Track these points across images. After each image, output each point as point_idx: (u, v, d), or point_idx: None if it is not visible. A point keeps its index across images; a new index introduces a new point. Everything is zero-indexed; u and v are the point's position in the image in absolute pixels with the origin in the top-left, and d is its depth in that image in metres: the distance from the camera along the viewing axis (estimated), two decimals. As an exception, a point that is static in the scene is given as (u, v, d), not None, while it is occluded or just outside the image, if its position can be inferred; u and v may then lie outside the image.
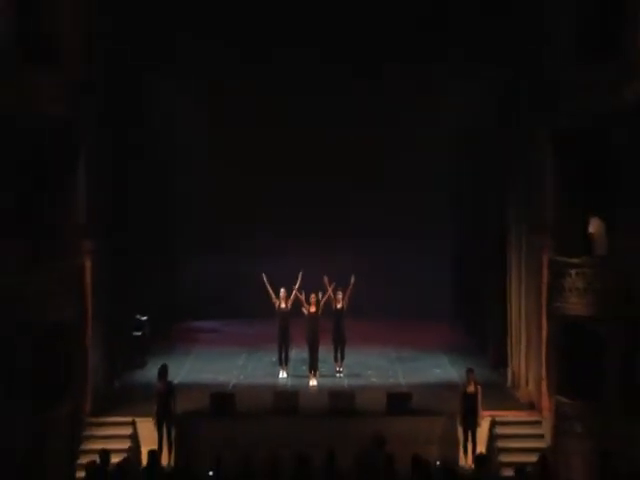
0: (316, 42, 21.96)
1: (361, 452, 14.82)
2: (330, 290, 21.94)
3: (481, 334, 24.66)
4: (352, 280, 21.91)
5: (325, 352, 22.28)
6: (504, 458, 17.74)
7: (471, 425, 18.47)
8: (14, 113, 16.74)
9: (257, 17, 21.10)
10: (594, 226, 18.29)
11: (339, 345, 22.17)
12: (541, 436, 18.88)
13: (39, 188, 18.16)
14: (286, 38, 21.72)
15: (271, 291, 21.89)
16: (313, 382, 21.70)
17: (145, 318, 23.93)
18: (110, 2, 20.06)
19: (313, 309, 21.91)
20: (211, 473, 14.79)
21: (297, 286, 21.90)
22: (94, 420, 19.26)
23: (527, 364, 20.50)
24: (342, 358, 22.30)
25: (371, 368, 23.03)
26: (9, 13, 16.42)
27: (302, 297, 21.89)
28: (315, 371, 21.92)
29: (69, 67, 18.53)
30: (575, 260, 18.38)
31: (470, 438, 18.43)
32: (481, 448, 18.17)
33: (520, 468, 13.63)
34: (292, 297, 21.90)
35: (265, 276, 21.99)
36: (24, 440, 16.83)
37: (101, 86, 20.07)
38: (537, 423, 19.35)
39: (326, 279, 22.06)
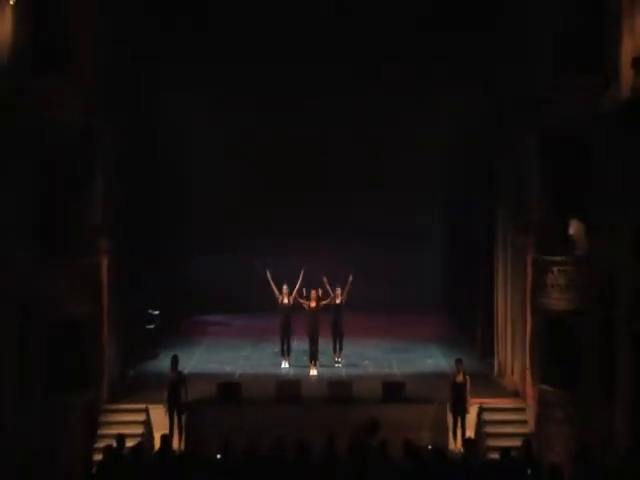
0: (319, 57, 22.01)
1: (355, 437, 14.90)
2: (332, 291, 22.02)
3: (470, 327, 24.64)
4: (350, 278, 21.96)
5: (324, 344, 22.29)
6: (491, 442, 17.79)
7: (460, 412, 18.54)
8: (34, 120, 16.71)
9: (260, 27, 21.15)
10: (574, 227, 18.32)
11: (338, 337, 22.23)
12: (525, 422, 18.95)
13: (59, 191, 18.18)
14: (288, 51, 21.74)
15: (274, 287, 21.93)
16: (313, 372, 21.74)
17: (157, 313, 23.96)
18: (128, 19, 20.04)
19: (313, 304, 21.94)
20: (219, 456, 14.68)
21: (297, 288, 21.95)
22: (110, 407, 19.32)
23: (512, 355, 20.55)
24: (340, 349, 22.35)
25: (367, 359, 23.08)
26: (28, 26, 16.45)
27: (303, 300, 21.93)
28: (315, 361, 21.97)
29: (86, 77, 18.53)
30: (557, 258, 18.46)
31: (459, 424, 18.49)
32: (469, 433, 18.25)
33: (505, 451, 13.68)
34: (293, 295, 21.92)
35: (269, 273, 22.00)
36: (46, 426, 16.89)
37: (118, 97, 19.98)
38: (521, 410, 19.37)
39: (325, 279, 22.10)
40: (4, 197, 16.06)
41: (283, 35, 21.59)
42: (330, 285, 22.07)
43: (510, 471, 13.08)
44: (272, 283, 22.00)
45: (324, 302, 21.94)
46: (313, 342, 22.00)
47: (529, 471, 13.23)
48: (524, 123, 19.66)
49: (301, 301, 21.97)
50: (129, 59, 20.68)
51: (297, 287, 22.00)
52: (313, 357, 22.02)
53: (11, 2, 15.49)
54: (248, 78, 24.19)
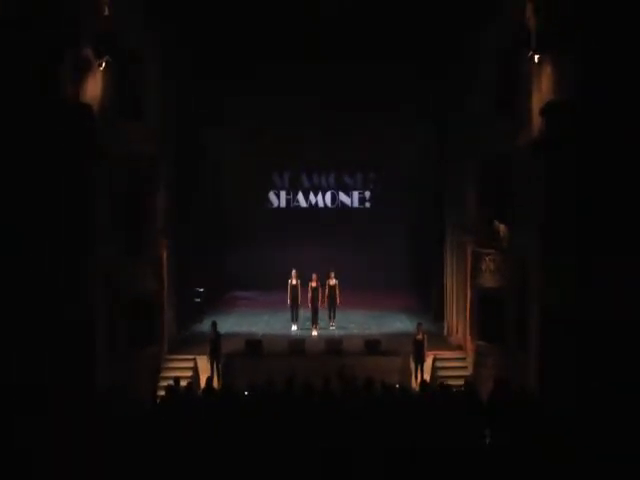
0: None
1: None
2: (327, 275, 22.12)
3: (428, 299, 24.68)
4: (332, 278, 22.12)
5: (322, 313, 22.35)
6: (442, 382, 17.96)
7: (420, 361, 18.68)
8: (114, 152, 16.87)
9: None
10: (501, 229, 18.37)
11: (332, 308, 22.28)
12: (466, 367, 19.14)
13: (135, 205, 18.40)
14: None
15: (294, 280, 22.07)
16: (314, 332, 21.84)
17: (202, 290, 24.05)
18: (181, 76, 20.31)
19: (314, 284, 22.02)
20: (246, 393, 14.91)
21: (294, 282, 21.95)
22: (169, 357, 19.53)
23: (457, 319, 20.74)
24: (334, 317, 22.42)
25: (353, 323, 23.11)
26: (110, 85, 16.65)
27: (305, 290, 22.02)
28: (316, 325, 22.11)
29: (152, 121, 18.83)
30: (488, 250, 18.64)
31: (419, 370, 18.63)
32: (426, 376, 18.35)
33: (447, 387, 13.98)
34: (296, 285, 21.99)
35: (294, 271, 22.08)
36: (125, 370, 17.07)
37: (173, 133, 20.42)
38: (463, 359, 19.59)
39: (314, 276, 22.02)
40: (100, 205, 16.27)
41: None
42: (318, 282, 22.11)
43: (451, 400, 13.43)
44: (294, 278, 22.05)
45: (322, 294, 22.01)
46: (314, 311, 22.06)
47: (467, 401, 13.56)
48: (465, 154, 19.79)
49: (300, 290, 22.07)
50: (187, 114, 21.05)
51: (294, 283, 21.98)
52: (314, 322, 22.13)
53: (101, 69, 15.69)
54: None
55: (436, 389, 15.23)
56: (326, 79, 20.40)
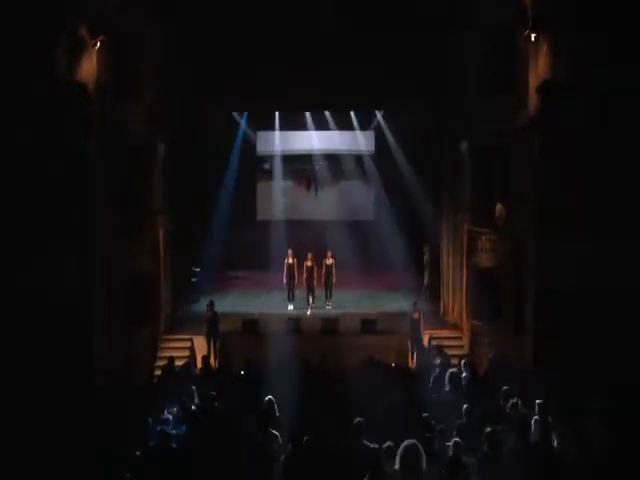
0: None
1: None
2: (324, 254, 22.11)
3: (423, 279, 24.21)
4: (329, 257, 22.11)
5: (318, 292, 22.26)
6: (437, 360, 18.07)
7: (416, 340, 18.83)
8: (114, 133, 16.93)
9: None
10: (498, 208, 18.35)
11: (328, 287, 22.17)
12: (462, 346, 19.24)
13: (130, 181, 18.27)
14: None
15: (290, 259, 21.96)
16: (308, 312, 21.69)
17: (198, 269, 24.03)
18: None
19: (309, 263, 21.92)
20: (242, 372, 15.22)
21: (290, 262, 21.81)
22: (165, 337, 19.66)
23: (453, 299, 20.84)
24: (330, 296, 22.27)
25: (350, 302, 22.96)
26: (106, 64, 16.56)
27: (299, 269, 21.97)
28: (311, 304, 22.00)
29: (149, 101, 18.75)
30: (484, 230, 18.73)
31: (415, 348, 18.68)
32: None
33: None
34: (292, 264, 21.86)
35: (290, 250, 22.04)
36: (123, 349, 17.17)
37: (170, 113, 20.27)
38: (459, 338, 19.71)
39: (309, 256, 21.95)
40: (96, 185, 16.23)
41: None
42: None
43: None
44: (290, 257, 21.97)
45: (317, 272, 21.88)
46: (310, 290, 21.97)
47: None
48: (461, 133, 19.76)
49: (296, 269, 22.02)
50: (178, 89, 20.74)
51: (290, 261, 21.87)
52: (309, 301, 22.05)
53: (95, 48, 15.57)
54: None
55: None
56: (326, 77, 20.09)
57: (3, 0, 13.75)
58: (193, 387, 13.56)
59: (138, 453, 10.05)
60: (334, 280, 22.16)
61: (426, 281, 22.27)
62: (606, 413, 10.71)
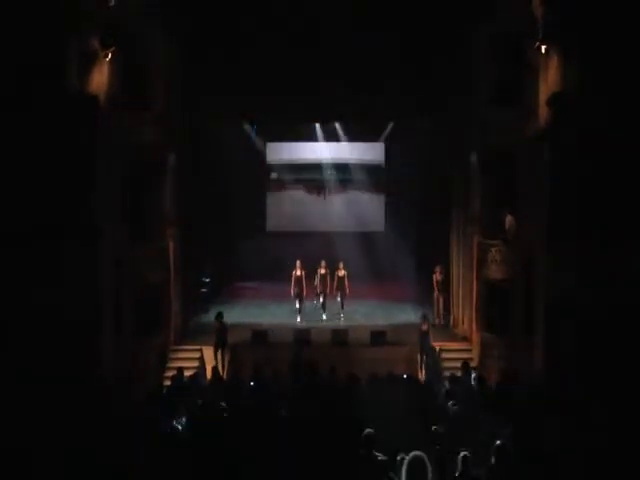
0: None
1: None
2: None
3: (433, 291, 23.72)
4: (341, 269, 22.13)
5: (330, 302, 22.33)
6: (447, 373, 17.93)
7: (425, 352, 18.75)
8: (124, 145, 17.02)
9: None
10: (508, 220, 18.38)
11: (342, 298, 22.21)
12: (471, 359, 18.88)
13: (141, 193, 18.41)
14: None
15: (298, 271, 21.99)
16: (324, 317, 21.91)
17: (208, 280, 24.11)
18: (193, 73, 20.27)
19: (323, 271, 22.09)
20: (252, 383, 15.07)
21: (299, 274, 21.81)
22: (175, 347, 19.69)
23: (463, 311, 20.77)
24: (342, 308, 22.31)
25: (359, 313, 23.01)
26: (115, 75, 16.58)
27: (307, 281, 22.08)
28: (324, 309, 22.21)
29: (160, 112, 18.92)
30: (494, 242, 18.71)
31: (425, 360, 18.65)
32: None
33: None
34: (300, 276, 21.88)
35: (299, 262, 22.05)
36: (132, 360, 17.14)
37: (179, 121, 20.30)
38: (469, 350, 19.62)
39: (324, 263, 22.15)
40: (107, 194, 16.28)
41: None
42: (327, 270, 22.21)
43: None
44: (298, 269, 21.97)
45: (330, 285, 22.08)
46: (324, 298, 22.13)
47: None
48: (470, 145, 19.72)
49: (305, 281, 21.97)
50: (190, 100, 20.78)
51: (299, 273, 21.85)
52: (324, 307, 22.22)
53: (107, 59, 15.64)
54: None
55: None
56: (324, 73, 20.15)
57: (15, 11, 13.80)
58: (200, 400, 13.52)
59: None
60: (347, 292, 22.21)
61: (436, 294, 22.12)
62: (615, 427, 10.63)
